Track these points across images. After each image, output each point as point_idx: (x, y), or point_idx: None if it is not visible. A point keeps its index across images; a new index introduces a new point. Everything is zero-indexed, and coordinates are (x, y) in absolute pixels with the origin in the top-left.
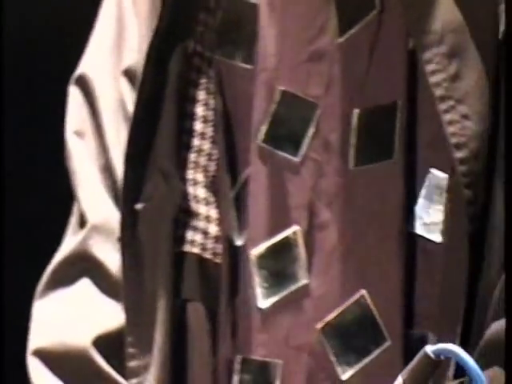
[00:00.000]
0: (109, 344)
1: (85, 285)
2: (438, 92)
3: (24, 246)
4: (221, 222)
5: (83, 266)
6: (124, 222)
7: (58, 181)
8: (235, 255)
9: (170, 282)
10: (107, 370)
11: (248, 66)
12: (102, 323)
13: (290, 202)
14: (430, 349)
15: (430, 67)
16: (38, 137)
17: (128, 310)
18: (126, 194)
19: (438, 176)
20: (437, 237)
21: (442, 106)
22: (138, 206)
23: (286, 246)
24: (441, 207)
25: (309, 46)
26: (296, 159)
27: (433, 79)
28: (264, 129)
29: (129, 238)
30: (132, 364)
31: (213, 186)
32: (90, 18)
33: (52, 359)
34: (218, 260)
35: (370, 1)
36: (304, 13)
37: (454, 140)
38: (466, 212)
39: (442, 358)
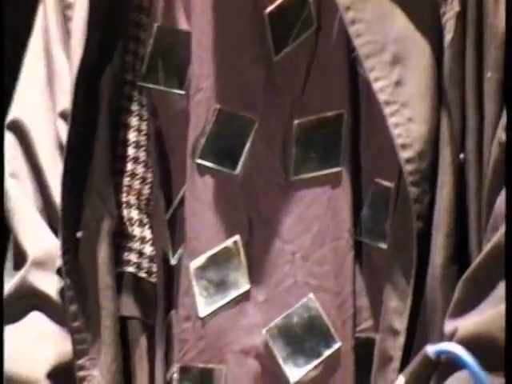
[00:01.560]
0: (63, 374)
1: (35, 317)
2: (383, 97)
3: None
4: (155, 241)
5: (30, 301)
6: (65, 251)
7: None
8: (170, 273)
9: (113, 302)
10: None
11: (181, 92)
12: (57, 353)
13: (230, 216)
14: (430, 349)
15: (373, 74)
16: None
17: (74, 335)
18: (66, 223)
19: (382, 185)
20: (382, 244)
21: (387, 110)
22: (79, 234)
23: (227, 255)
24: (385, 215)
25: (244, 65)
26: (234, 173)
27: (376, 85)
28: (200, 146)
29: (71, 266)
30: (81, 374)
31: (147, 208)
32: None
33: None
34: (152, 279)
35: (307, 19)
36: (238, 35)
37: (399, 141)
38: (412, 210)
39: (443, 358)
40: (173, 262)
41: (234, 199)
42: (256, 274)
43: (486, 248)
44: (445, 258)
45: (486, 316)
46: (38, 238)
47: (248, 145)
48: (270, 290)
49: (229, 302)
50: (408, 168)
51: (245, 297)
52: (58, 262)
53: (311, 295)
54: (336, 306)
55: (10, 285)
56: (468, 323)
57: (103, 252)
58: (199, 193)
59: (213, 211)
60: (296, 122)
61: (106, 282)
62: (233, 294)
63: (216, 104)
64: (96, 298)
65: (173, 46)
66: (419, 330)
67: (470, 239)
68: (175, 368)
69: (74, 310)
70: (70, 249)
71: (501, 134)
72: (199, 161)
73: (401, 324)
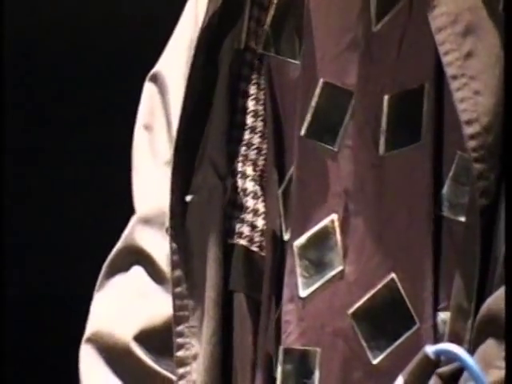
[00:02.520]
0: (153, 337)
1: (137, 272)
2: (450, 71)
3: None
4: (267, 215)
5: (133, 258)
6: (172, 215)
7: None
8: (282, 249)
9: (219, 274)
10: (148, 364)
11: (296, 62)
12: (149, 315)
13: (329, 191)
14: (429, 349)
15: (443, 48)
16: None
17: (176, 300)
18: (175, 184)
19: (465, 157)
20: (462, 218)
21: (455, 84)
22: (188, 198)
23: (325, 234)
24: (467, 188)
25: (347, 36)
26: (334, 149)
27: (446, 59)
28: (306, 122)
29: (178, 228)
30: (180, 354)
31: (261, 180)
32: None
33: (102, 349)
34: (264, 253)
35: None
36: (344, 3)
37: (465, 116)
38: (476, 187)
39: (442, 358)
40: (285, 237)
41: (334, 176)
42: (349, 254)
43: None
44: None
45: None
46: (149, 193)
47: (346, 119)
48: (360, 270)
49: (324, 283)
50: (472, 144)
51: (339, 277)
52: (167, 222)
53: (393, 275)
54: (417, 285)
55: (121, 238)
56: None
57: (213, 222)
58: (303, 170)
59: (315, 189)
60: (386, 97)
61: (214, 252)
62: (328, 274)
63: (321, 77)
64: (202, 268)
65: (289, 15)
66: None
67: None
68: (280, 350)
69: (178, 275)
70: (178, 213)
71: None
72: (304, 137)
73: (470, 304)
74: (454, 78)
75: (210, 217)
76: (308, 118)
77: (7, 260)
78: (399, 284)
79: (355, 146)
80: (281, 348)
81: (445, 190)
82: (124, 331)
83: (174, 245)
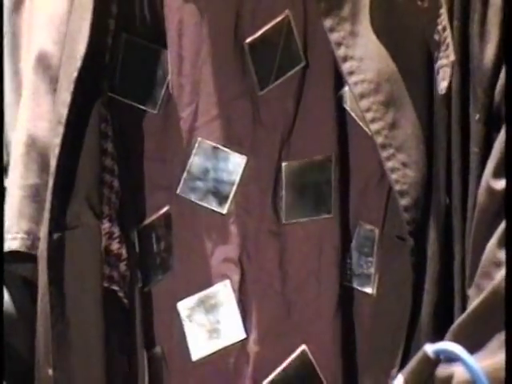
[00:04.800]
0: None
1: None
2: (379, 140)
3: None
4: (128, 260)
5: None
6: (50, 242)
7: None
8: (143, 298)
9: (98, 319)
10: None
11: (154, 111)
12: None
13: (219, 257)
14: (429, 348)
15: (369, 115)
16: None
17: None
18: (53, 213)
19: (366, 227)
20: (368, 289)
21: (384, 154)
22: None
23: (218, 299)
24: (371, 259)
25: (229, 97)
26: (222, 212)
27: (373, 127)
28: (182, 180)
29: (54, 260)
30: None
31: (120, 221)
32: None
33: None
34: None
35: (294, 55)
36: (221, 66)
37: (397, 187)
38: (409, 260)
39: (442, 357)
40: (146, 288)
41: (223, 241)
42: (252, 323)
43: (482, 296)
44: (432, 307)
45: (482, 365)
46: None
47: (237, 183)
48: (264, 340)
49: (222, 351)
50: (406, 216)
51: (239, 347)
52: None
53: (304, 347)
54: (328, 356)
55: None
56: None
57: (90, 264)
58: (189, 226)
59: (200, 253)
60: (284, 163)
61: (91, 297)
62: (226, 342)
63: (198, 136)
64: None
65: (147, 63)
66: None
67: (454, 287)
68: None
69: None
70: (55, 242)
71: (489, 181)
72: (183, 195)
73: (392, 371)
74: (383, 147)
75: (87, 258)
76: (184, 176)
77: None
78: (310, 356)
79: (250, 211)
80: None
81: (350, 260)
82: None
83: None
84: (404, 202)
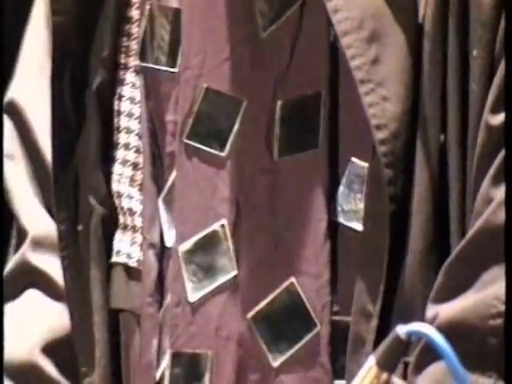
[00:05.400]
0: (59, 349)
1: (32, 295)
2: (359, 75)
3: None
4: (144, 229)
5: (27, 279)
6: (64, 243)
7: None
8: (162, 257)
9: (102, 296)
10: (57, 379)
11: (173, 69)
12: (52, 329)
13: (217, 197)
14: (400, 329)
15: (350, 52)
16: None
17: (74, 328)
18: (62, 215)
19: (358, 164)
20: (356, 225)
21: (363, 89)
22: (79, 228)
23: (214, 239)
24: (360, 195)
25: (233, 43)
26: (222, 154)
27: (353, 63)
28: (188, 126)
29: (71, 254)
30: (86, 382)
31: (140, 194)
32: None
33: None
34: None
35: None
36: (227, 12)
37: (374, 121)
38: (386, 192)
39: (413, 339)
40: (168, 244)
41: (222, 182)
42: (243, 259)
43: (470, 233)
44: (425, 245)
45: (467, 303)
46: (36, 218)
47: (236, 126)
48: (256, 275)
49: (217, 288)
50: (382, 149)
51: (232, 282)
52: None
53: (293, 279)
54: (315, 289)
55: (12, 260)
56: (449, 309)
57: (94, 245)
58: (187, 174)
59: (200, 194)
60: (279, 102)
61: (95, 275)
62: (221, 279)
63: (204, 83)
64: (86, 293)
65: (164, 24)
66: (397, 314)
67: (450, 226)
68: (168, 354)
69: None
70: (70, 243)
71: (487, 117)
72: (187, 141)
73: (374, 307)
74: (362, 82)
75: (91, 242)
76: (190, 122)
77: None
78: (299, 288)
79: (247, 151)
80: (168, 352)
81: (338, 196)
82: (28, 346)
83: (69, 272)
84: (380, 135)
